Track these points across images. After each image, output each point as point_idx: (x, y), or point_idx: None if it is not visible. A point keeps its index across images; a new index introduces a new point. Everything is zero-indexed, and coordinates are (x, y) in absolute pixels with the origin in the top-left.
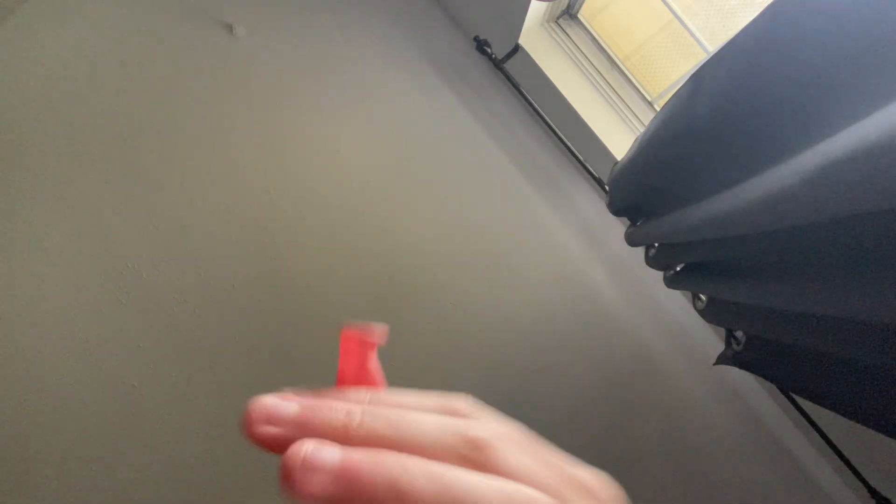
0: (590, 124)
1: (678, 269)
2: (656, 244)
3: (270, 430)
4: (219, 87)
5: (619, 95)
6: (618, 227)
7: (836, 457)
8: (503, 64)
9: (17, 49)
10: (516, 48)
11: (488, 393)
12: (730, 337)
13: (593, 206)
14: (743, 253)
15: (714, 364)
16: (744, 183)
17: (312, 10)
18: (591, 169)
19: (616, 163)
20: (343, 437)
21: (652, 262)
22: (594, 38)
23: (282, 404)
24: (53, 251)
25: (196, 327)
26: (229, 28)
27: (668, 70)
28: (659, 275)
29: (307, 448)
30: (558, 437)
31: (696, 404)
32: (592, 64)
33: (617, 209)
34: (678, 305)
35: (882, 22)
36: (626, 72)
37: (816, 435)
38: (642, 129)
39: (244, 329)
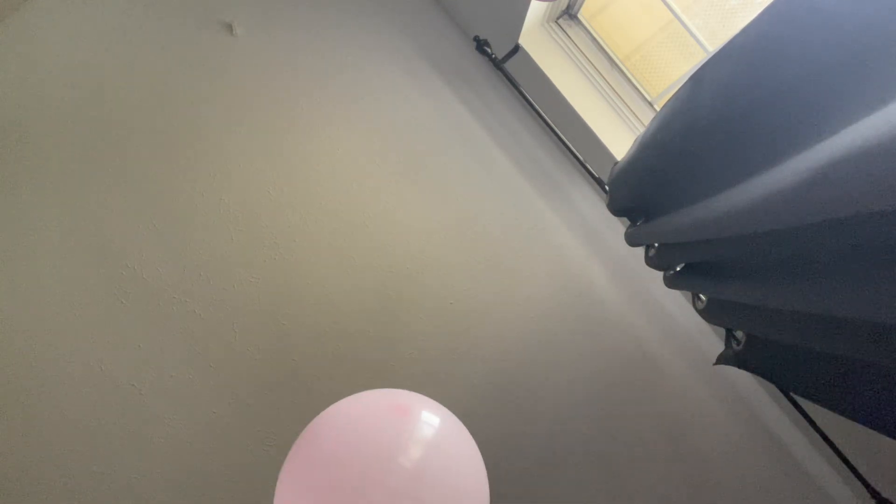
0: (590, 124)
1: (678, 269)
2: (656, 244)
3: None
4: (218, 87)
5: (619, 95)
6: (618, 227)
7: (836, 457)
8: (503, 64)
9: (16, 49)
10: (516, 48)
11: (487, 393)
12: (730, 337)
13: (593, 206)
14: (743, 253)
15: (714, 364)
16: (744, 183)
17: (312, 10)
18: (591, 169)
19: (616, 163)
20: None
21: (652, 262)
22: (594, 38)
23: None
24: (54, 252)
25: (196, 327)
26: (229, 28)
27: (668, 70)
28: (659, 275)
29: None
30: (557, 437)
31: (696, 404)
32: (592, 64)
33: (617, 209)
34: (678, 305)
35: (881, 22)
36: (626, 72)
37: (816, 435)
38: (642, 129)
39: (244, 329)
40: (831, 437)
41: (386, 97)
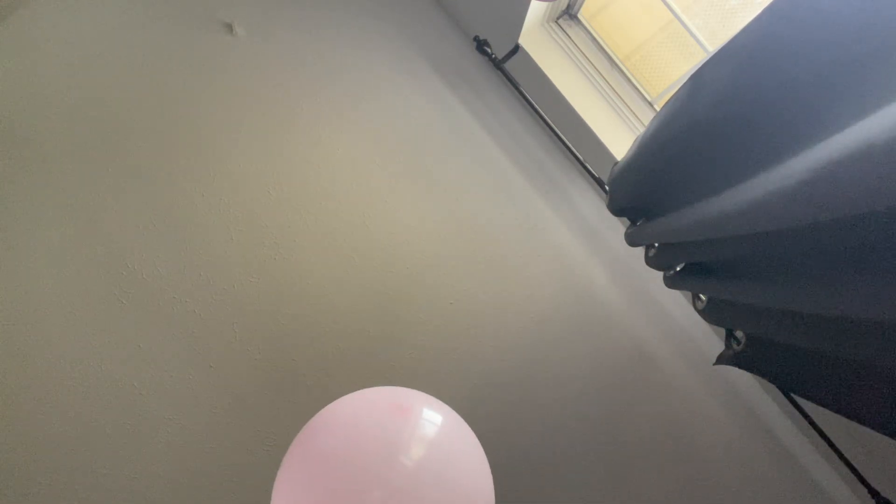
0: (590, 124)
1: (678, 269)
2: (656, 244)
3: None
4: (219, 87)
5: (619, 95)
6: (618, 227)
7: (836, 457)
8: (503, 64)
9: (16, 49)
10: (516, 48)
11: (486, 392)
12: (730, 337)
13: (593, 206)
14: (743, 253)
15: (714, 364)
16: (744, 183)
17: (312, 10)
18: (591, 169)
19: (616, 163)
20: None
21: (652, 262)
22: (594, 38)
23: None
24: (54, 252)
25: (196, 327)
26: (229, 28)
27: (668, 70)
28: (659, 275)
29: None
30: (557, 436)
31: (696, 404)
32: (592, 64)
33: (617, 209)
34: (678, 305)
35: (882, 23)
36: (626, 72)
37: (816, 435)
38: (642, 129)
39: (244, 329)
40: (831, 437)
41: (386, 97)
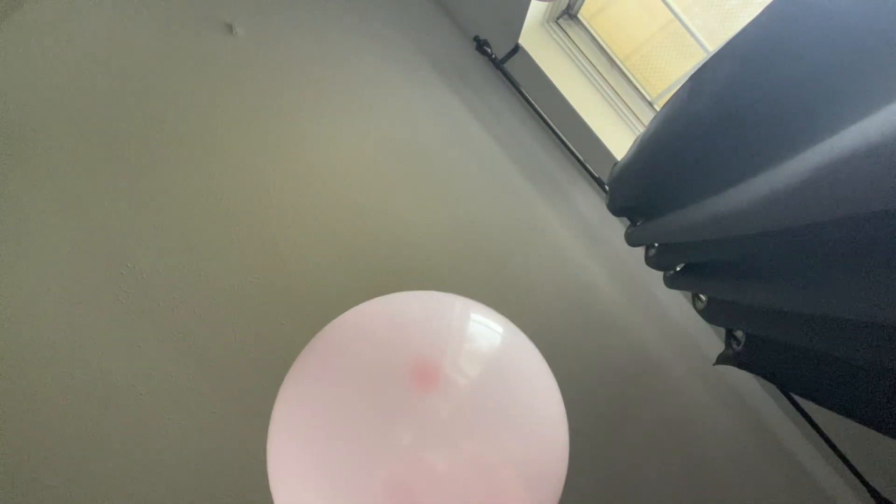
0: (590, 124)
1: (678, 269)
2: (656, 244)
3: None
4: (218, 87)
5: (619, 95)
6: (618, 227)
7: (836, 457)
8: (503, 64)
9: (16, 48)
10: (516, 48)
11: None
12: (730, 337)
13: (593, 206)
14: (743, 253)
15: (714, 364)
16: (744, 183)
17: (312, 10)
18: (591, 169)
19: (616, 163)
20: None
21: (652, 262)
22: (594, 38)
23: None
24: (54, 251)
25: (196, 327)
26: (229, 28)
27: (668, 70)
28: (659, 275)
29: None
30: None
31: (696, 404)
32: (592, 64)
33: (617, 209)
34: (678, 305)
35: (882, 21)
36: (626, 72)
37: (816, 435)
38: (642, 129)
39: (244, 329)
40: (831, 437)
41: (386, 97)
